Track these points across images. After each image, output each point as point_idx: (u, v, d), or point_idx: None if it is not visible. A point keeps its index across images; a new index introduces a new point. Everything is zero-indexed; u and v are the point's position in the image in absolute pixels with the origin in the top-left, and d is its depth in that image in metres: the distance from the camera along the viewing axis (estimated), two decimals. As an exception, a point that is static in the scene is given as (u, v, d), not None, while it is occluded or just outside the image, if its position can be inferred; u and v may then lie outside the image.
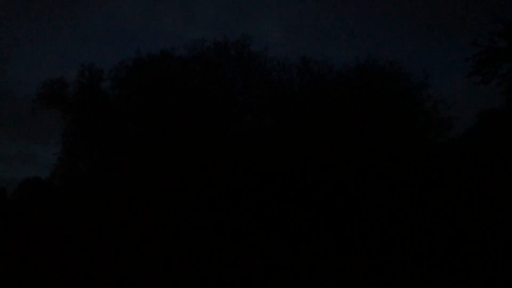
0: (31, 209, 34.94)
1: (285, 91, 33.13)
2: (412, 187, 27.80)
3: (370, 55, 33.84)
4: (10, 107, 76.11)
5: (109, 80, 35.03)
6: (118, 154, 34.19)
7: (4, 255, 16.79)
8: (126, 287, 11.89)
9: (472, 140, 30.06)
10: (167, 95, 32.81)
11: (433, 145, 32.04)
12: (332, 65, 33.81)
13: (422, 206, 27.05)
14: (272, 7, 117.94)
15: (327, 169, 29.19)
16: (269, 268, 13.57)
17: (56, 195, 34.60)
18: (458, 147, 30.68)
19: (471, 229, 20.89)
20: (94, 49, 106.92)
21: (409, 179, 28.08)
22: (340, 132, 30.26)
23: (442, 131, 32.36)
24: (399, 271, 11.79)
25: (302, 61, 33.51)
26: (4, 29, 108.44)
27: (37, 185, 39.06)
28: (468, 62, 25.98)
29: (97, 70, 34.99)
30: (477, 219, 23.55)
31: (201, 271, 12.51)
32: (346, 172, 29.15)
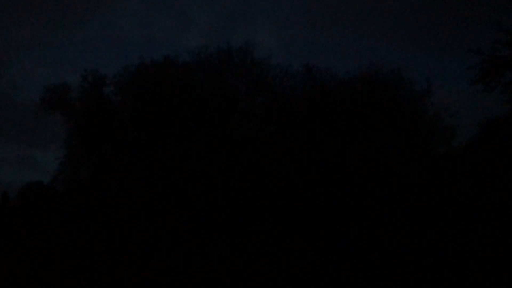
0: (34, 214, 34.90)
1: (288, 98, 33.14)
2: (415, 195, 27.68)
3: (373, 63, 33.97)
4: (9, 111, 75.84)
5: (112, 85, 35.18)
6: (121, 160, 34.18)
7: (7, 260, 16.78)
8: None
9: (475, 148, 29.97)
10: (170, 101, 32.84)
11: (436, 153, 31.91)
12: (335, 73, 33.93)
13: (425, 214, 26.93)
14: (270, 15, 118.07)
15: (330, 176, 29.11)
16: (269, 269, 13.54)
17: (59, 199, 34.59)
18: (461, 155, 30.58)
19: (474, 237, 20.77)
20: (93, 55, 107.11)
21: (412, 187, 27.97)
22: (343, 140, 30.22)
23: (445, 140, 32.25)
24: (403, 282, 11.74)
25: (305, 68, 33.58)
26: (3, 33, 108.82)
27: (40, 189, 39.04)
28: (471, 70, 25.93)
29: (100, 76, 35.11)
30: (480, 227, 23.43)
31: (204, 280, 12.46)
32: (348, 179, 29.07)
